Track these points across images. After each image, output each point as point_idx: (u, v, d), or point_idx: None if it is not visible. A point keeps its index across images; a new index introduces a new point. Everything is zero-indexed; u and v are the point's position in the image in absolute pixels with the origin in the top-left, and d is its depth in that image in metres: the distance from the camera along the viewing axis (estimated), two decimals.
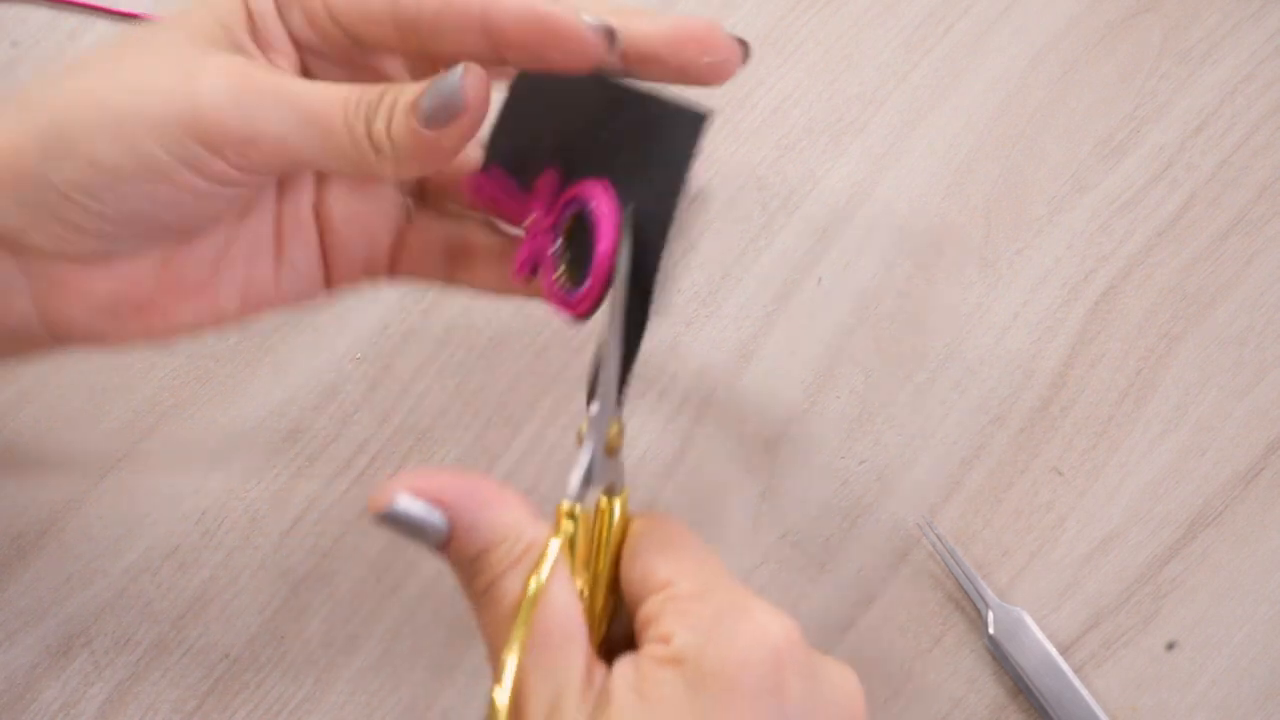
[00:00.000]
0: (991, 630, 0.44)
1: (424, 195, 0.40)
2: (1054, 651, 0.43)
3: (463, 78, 0.31)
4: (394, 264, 0.39)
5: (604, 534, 0.32)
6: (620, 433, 0.33)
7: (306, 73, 0.34)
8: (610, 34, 0.31)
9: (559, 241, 0.35)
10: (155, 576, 0.45)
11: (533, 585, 0.29)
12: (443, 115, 0.31)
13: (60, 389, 0.47)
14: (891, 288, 0.48)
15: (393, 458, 0.47)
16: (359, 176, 0.37)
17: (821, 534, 0.46)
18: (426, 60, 0.35)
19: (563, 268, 0.34)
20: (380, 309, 0.48)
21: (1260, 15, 0.51)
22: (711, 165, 0.50)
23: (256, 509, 0.46)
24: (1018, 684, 0.43)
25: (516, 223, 0.36)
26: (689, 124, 0.33)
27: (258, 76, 0.31)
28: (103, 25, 0.51)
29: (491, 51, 0.32)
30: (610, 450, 0.32)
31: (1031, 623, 0.44)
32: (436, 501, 0.29)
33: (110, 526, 0.46)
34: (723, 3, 0.51)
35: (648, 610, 0.31)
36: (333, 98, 0.31)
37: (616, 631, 0.33)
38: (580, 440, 0.32)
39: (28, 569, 0.45)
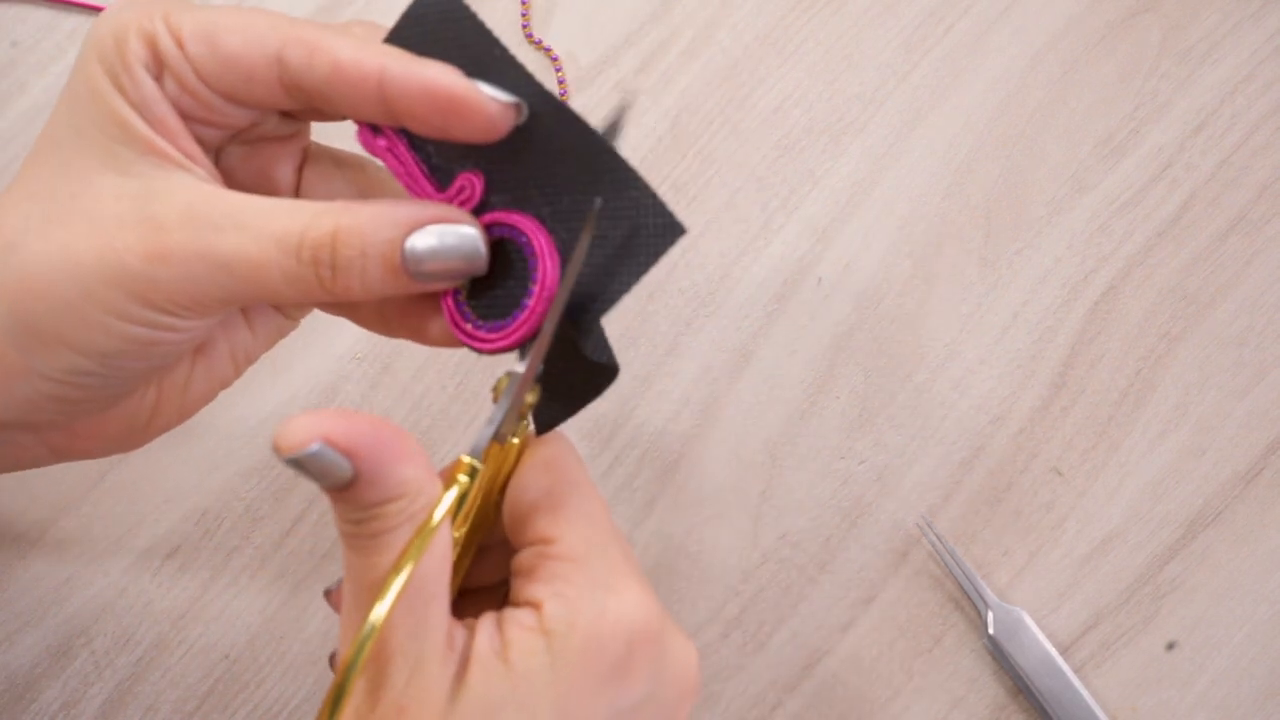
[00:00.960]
0: (991, 630, 0.44)
1: None
2: (1054, 651, 0.43)
3: (477, 241, 0.31)
4: None
5: (498, 472, 0.32)
6: (536, 395, 0.32)
7: (202, 143, 0.32)
8: (518, 108, 0.30)
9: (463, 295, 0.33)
10: (155, 576, 0.45)
11: (412, 557, 0.28)
12: (444, 273, 0.31)
13: None
14: (891, 288, 0.48)
15: None
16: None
17: (821, 534, 0.46)
18: (317, 114, 0.34)
19: (465, 295, 0.33)
20: None
21: (1260, 15, 0.51)
22: (711, 165, 0.50)
23: (257, 509, 0.46)
24: (1017, 684, 0.43)
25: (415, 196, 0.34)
26: (652, 208, 0.31)
27: (183, 241, 0.30)
28: None
29: (388, 119, 0.31)
30: (522, 413, 0.32)
31: (1031, 623, 0.44)
32: (347, 451, 0.28)
33: (110, 526, 0.46)
34: (722, 3, 0.51)
35: (523, 560, 0.31)
36: (269, 250, 0.30)
37: (482, 561, 0.33)
38: (495, 397, 0.32)
39: (28, 569, 0.45)
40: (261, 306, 0.36)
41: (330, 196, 0.35)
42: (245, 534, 0.46)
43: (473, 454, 0.31)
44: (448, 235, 0.31)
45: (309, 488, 0.46)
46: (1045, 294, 0.48)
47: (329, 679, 0.44)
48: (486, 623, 0.30)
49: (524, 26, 0.52)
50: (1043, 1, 0.51)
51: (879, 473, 0.46)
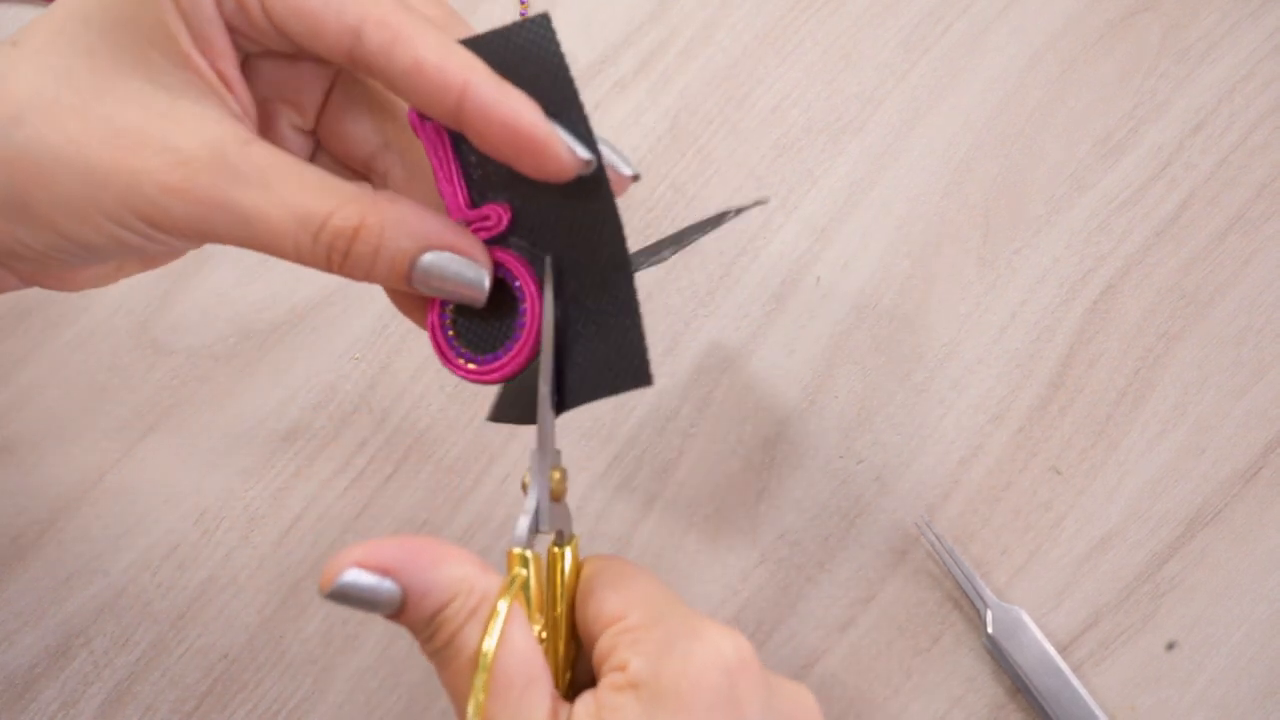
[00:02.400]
0: (990, 629, 0.44)
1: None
2: (1052, 650, 0.43)
3: (484, 283, 0.31)
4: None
5: (558, 581, 0.32)
6: (564, 478, 0.33)
7: (247, 70, 0.32)
8: (589, 163, 0.30)
9: (449, 314, 0.34)
10: (154, 576, 0.45)
11: (490, 637, 0.29)
12: (443, 293, 0.31)
13: (60, 389, 0.47)
14: (890, 287, 0.48)
15: (391, 457, 0.47)
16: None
17: (820, 533, 0.46)
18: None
19: (452, 321, 0.33)
20: (380, 309, 0.48)
21: (1259, 14, 0.51)
22: (710, 164, 0.50)
23: (255, 509, 0.46)
24: (1016, 683, 0.43)
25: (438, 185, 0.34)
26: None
27: (207, 183, 0.29)
28: None
29: (454, 126, 0.30)
30: (555, 496, 0.33)
31: (1030, 622, 0.44)
32: (384, 570, 0.29)
33: (110, 526, 0.46)
34: (721, 3, 0.51)
35: (603, 646, 0.31)
36: (290, 221, 0.30)
37: (580, 676, 0.33)
38: (525, 489, 0.32)
39: (27, 569, 0.45)
40: None
41: (352, 137, 0.34)
42: (244, 534, 0.46)
43: (516, 544, 0.31)
44: (459, 265, 0.31)
45: (308, 488, 0.46)
46: (1044, 293, 0.48)
47: (328, 678, 0.45)
48: (585, 698, 0.30)
49: None
50: (1041, 1, 0.51)
51: (878, 472, 0.46)
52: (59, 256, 0.32)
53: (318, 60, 0.33)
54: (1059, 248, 0.48)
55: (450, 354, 0.33)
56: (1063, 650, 0.44)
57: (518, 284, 0.32)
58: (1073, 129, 0.50)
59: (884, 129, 0.50)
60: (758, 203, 0.43)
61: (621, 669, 0.30)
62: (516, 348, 0.32)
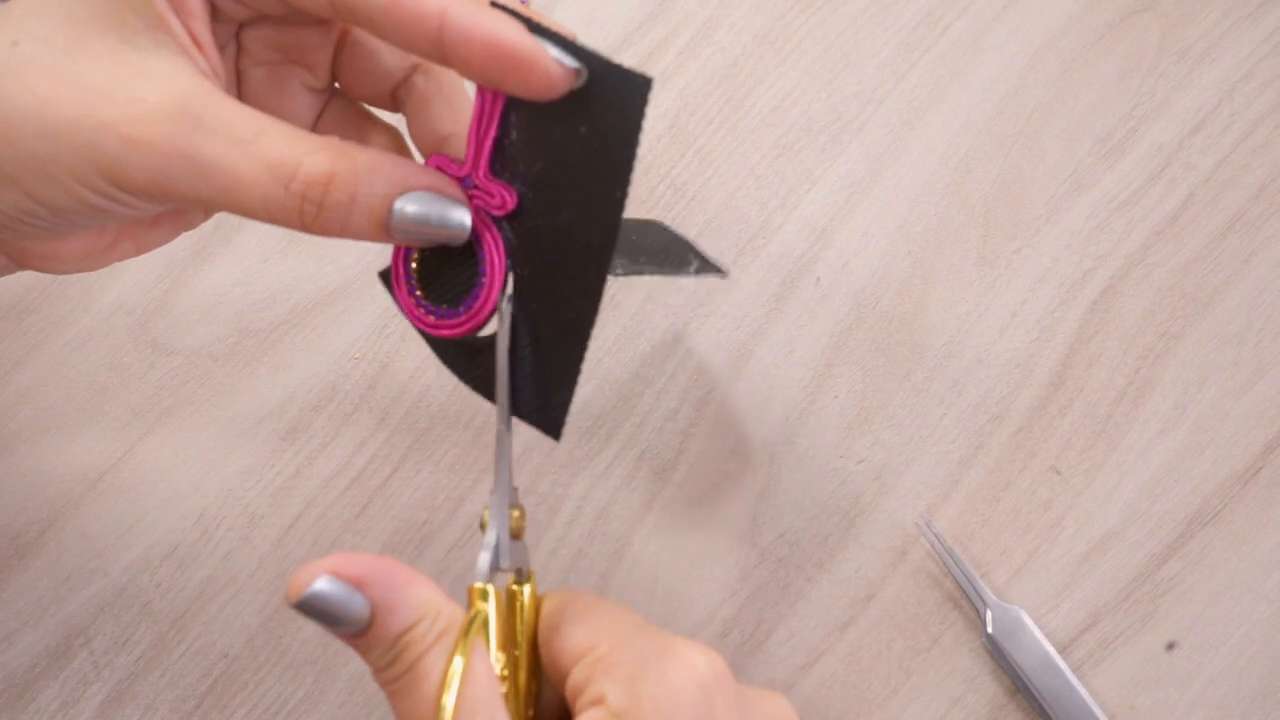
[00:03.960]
0: (990, 629, 0.44)
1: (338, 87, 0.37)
2: (1052, 650, 0.43)
3: (465, 222, 0.30)
4: None
5: (518, 618, 0.32)
6: (522, 516, 0.33)
7: (245, 38, 0.31)
8: (578, 73, 0.29)
9: (414, 255, 0.34)
10: (154, 576, 0.45)
11: (457, 661, 0.28)
12: (423, 239, 0.30)
13: (60, 389, 0.47)
14: (890, 287, 0.48)
15: (391, 457, 0.47)
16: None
17: (820, 533, 0.46)
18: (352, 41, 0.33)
19: (416, 274, 0.34)
20: (380, 308, 0.48)
21: (1259, 14, 0.51)
22: (710, 164, 0.50)
23: (255, 508, 0.46)
24: (1016, 683, 0.43)
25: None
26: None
27: (171, 133, 0.29)
28: None
29: (439, 60, 0.30)
30: (514, 534, 0.32)
31: (1030, 622, 0.44)
32: (356, 581, 0.28)
33: (109, 526, 0.46)
34: (720, 2, 0.51)
35: (576, 679, 0.31)
36: (259, 171, 0.29)
37: (543, 713, 0.33)
38: (483, 527, 0.32)
39: (27, 569, 0.45)
40: None
41: (377, 73, 0.34)
42: (244, 534, 0.46)
43: (479, 579, 0.31)
44: (437, 207, 0.30)
45: (308, 488, 0.46)
46: (1043, 293, 0.48)
47: (328, 678, 0.45)
48: None
49: None
50: (1041, 1, 0.51)
51: (877, 472, 0.46)
52: (30, 221, 0.31)
53: (308, 19, 0.32)
54: (1059, 247, 0.48)
55: (410, 302, 0.33)
56: (1062, 650, 0.44)
57: (483, 255, 0.32)
58: (1072, 129, 0.50)
59: (884, 129, 0.50)
60: (720, 274, 0.41)
61: (599, 702, 0.29)
62: (477, 305, 0.32)
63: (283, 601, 0.45)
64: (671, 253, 0.41)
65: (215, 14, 0.31)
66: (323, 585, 0.28)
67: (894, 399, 0.47)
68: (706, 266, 0.40)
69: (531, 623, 0.33)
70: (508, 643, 0.32)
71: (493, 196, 0.32)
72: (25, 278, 0.49)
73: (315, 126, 0.36)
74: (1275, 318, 0.47)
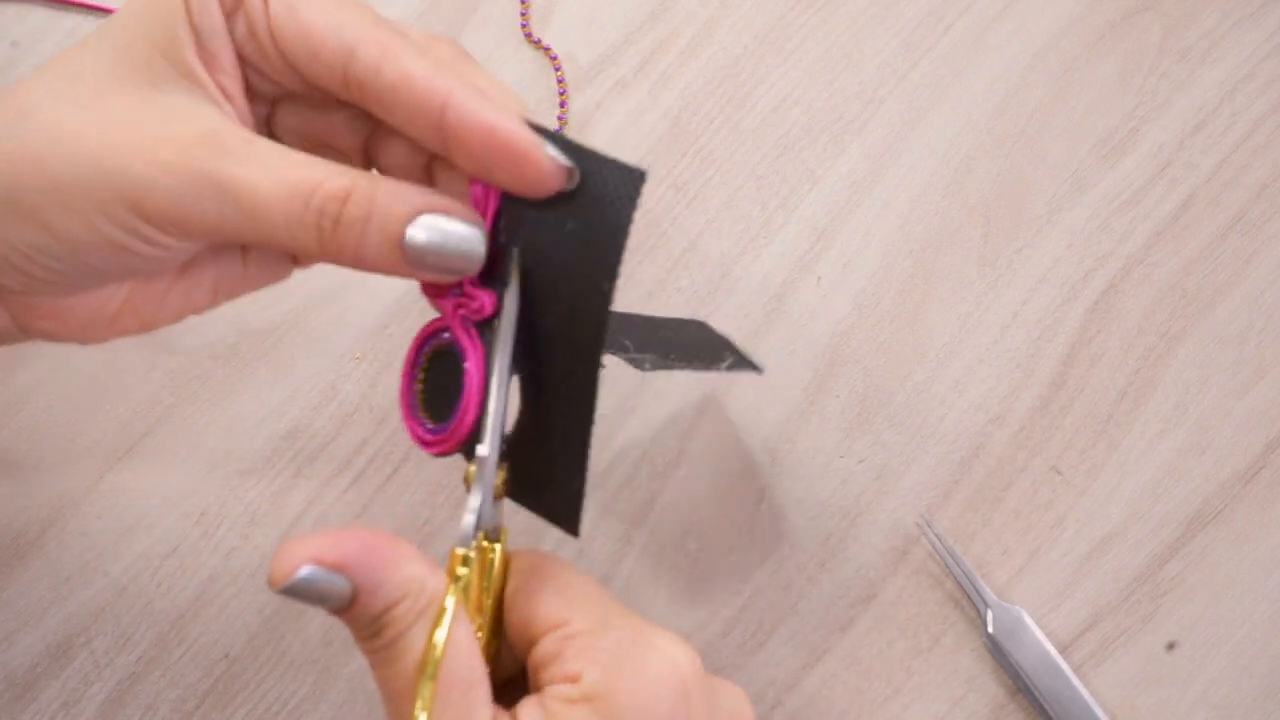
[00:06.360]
0: (991, 629, 0.44)
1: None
2: (1053, 650, 0.43)
3: (479, 249, 0.30)
4: None
5: (485, 577, 0.32)
6: (505, 478, 0.33)
7: (250, 91, 0.32)
8: (571, 173, 0.30)
9: (420, 376, 0.34)
10: (155, 576, 0.45)
11: (439, 638, 0.29)
12: (438, 266, 0.30)
13: (59, 389, 0.47)
14: (891, 287, 0.48)
15: (391, 457, 0.47)
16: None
17: (821, 533, 0.46)
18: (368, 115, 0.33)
19: (420, 396, 0.34)
20: (380, 308, 0.48)
21: (1260, 14, 0.51)
22: (711, 164, 0.50)
23: (256, 508, 0.46)
24: (1017, 683, 0.43)
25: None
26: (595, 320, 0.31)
27: (197, 157, 0.29)
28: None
29: (441, 148, 0.30)
30: (497, 494, 0.32)
31: (1031, 622, 0.44)
32: (338, 566, 0.29)
33: (110, 526, 0.46)
34: (721, 2, 0.51)
35: (545, 650, 0.31)
36: (280, 189, 0.29)
37: (500, 671, 0.33)
38: (468, 485, 0.32)
39: (28, 569, 0.45)
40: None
41: (403, 157, 0.34)
42: (245, 534, 0.46)
43: (462, 544, 0.31)
44: (453, 230, 0.30)
45: (309, 488, 0.46)
46: (1045, 293, 0.48)
47: (328, 678, 0.45)
48: (529, 705, 0.30)
49: (523, 26, 0.52)
50: (1042, 1, 0.51)
51: (878, 472, 0.46)
52: (43, 262, 0.31)
53: (330, 99, 0.33)
54: (1060, 247, 0.48)
55: (411, 413, 0.34)
56: (1063, 650, 0.44)
57: (466, 364, 0.32)
58: (1073, 129, 0.50)
59: (885, 129, 0.50)
60: (756, 370, 0.41)
61: (573, 680, 0.29)
62: (458, 417, 0.32)
63: (283, 601, 0.45)
64: (706, 349, 0.42)
65: (247, 90, 0.32)
66: (307, 573, 0.28)
67: (895, 399, 0.47)
68: (741, 362, 0.41)
69: (500, 582, 0.32)
70: (478, 602, 0.32)
71: (474, 300, 0.32)
72: None
73: None
74: (1276, 317, 0.47)
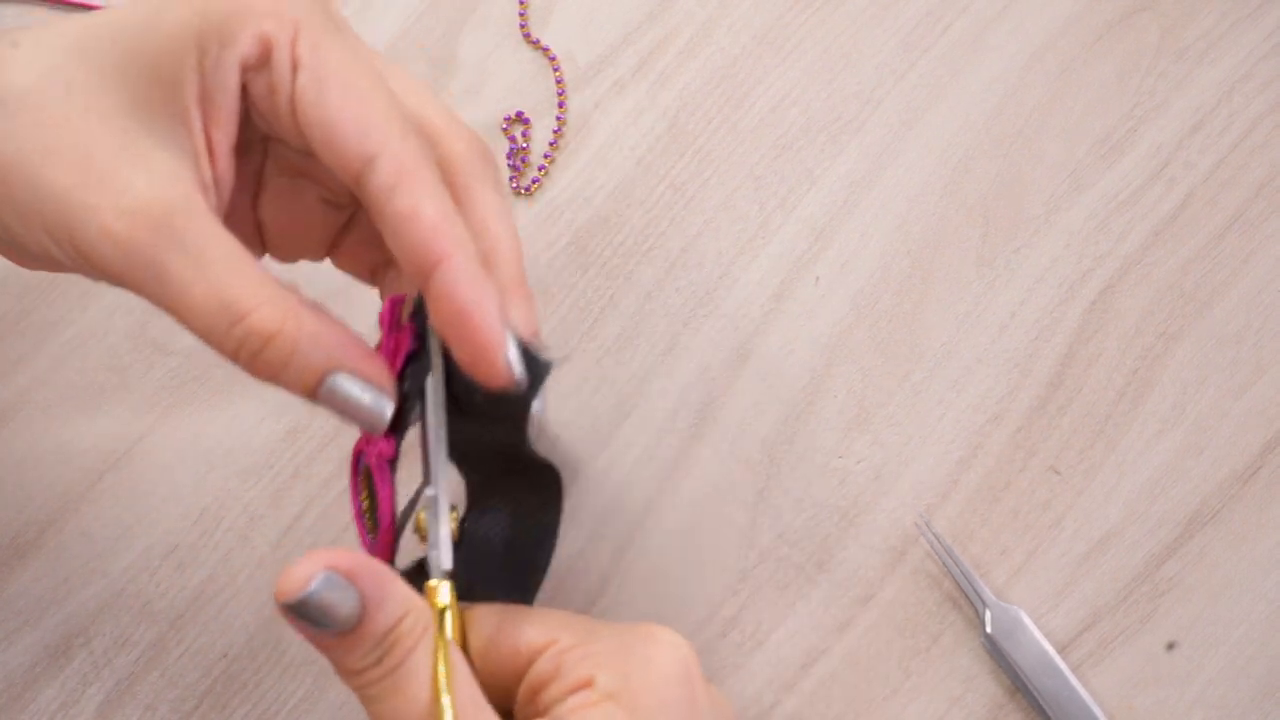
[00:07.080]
0: (989, 629, 0.44)
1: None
2: (1051, 650, 0.43)
3: (385, 415, 0.32)
4: (332, 254, 0.39)
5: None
6: (456, 515, 0.33)
7: (241, 149, 0.32)
8: (519, 385, 0.31)
9: (364, 493, 0.35)
10: (154, 576, 0.45)
11: (454, 656, 0.29)
12: (345, 417, 0.32)
13: (60, 389, 0.47)
14: (889, 287, 0.48)
15: None
16: None
17: (819, 533, 0.46)
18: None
19: (366, 509, 0.35)
20: (380, 309, 0.48)
21: (1258, 14, 0.51)
22: (709, 164, 0.50)
23: (255, 508, 0.46)
24: (1015, 683, 0.43)
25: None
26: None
27: (146, 241, 0.29)
28: None
29: (418, 281, 0.31)
30: (455, 537, 0.33)
31: (1029, 622, 0.44)
32: (350, 574, 0.29)
33: (109, 526, 0.46)
34: (719, 2, 0.51)
35: (540, 671, 0.31)
36: (211, 303, 0.29)
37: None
38: (421, 532, 0.33)
39: (26, 569, 0.46)
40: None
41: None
42: (244, 534, 0.46)
43: (436, 574, 0.32)
44: (362, 391, 0.31)
45: (308, 488, 0.46)
46: (1043, 293, 0.48)
47: (327, 678, 0.45)
48: None
49: (521, 26, 0.52)
50: (1040, 1, 0.51)
51: (876, 472, 0.46)
52: (15, 254, 0.32)
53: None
54: (1058, 247, 0.48)
55: (360, 523, 0.35)
56: (1062, 650, 0.44)
57: (384, 489, 0.33)
58: (1071, 129, 0.50)
59: (883, 129, 0.50)
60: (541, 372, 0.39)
61: (586, 685, 0.30)
62: (380, 539, 0.34)
63: None
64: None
65: (245, 119, 0.32)
66: (322, 582, 0.28)
67: (893, 399, 0.47)
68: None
69: (460, 625, 0.33)
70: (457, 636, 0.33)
71: (374, 446, 0.34)
72: (25, 277, 0.49)
73: (338, 242, 0.38)
74: (1274, 317, 0.47)
